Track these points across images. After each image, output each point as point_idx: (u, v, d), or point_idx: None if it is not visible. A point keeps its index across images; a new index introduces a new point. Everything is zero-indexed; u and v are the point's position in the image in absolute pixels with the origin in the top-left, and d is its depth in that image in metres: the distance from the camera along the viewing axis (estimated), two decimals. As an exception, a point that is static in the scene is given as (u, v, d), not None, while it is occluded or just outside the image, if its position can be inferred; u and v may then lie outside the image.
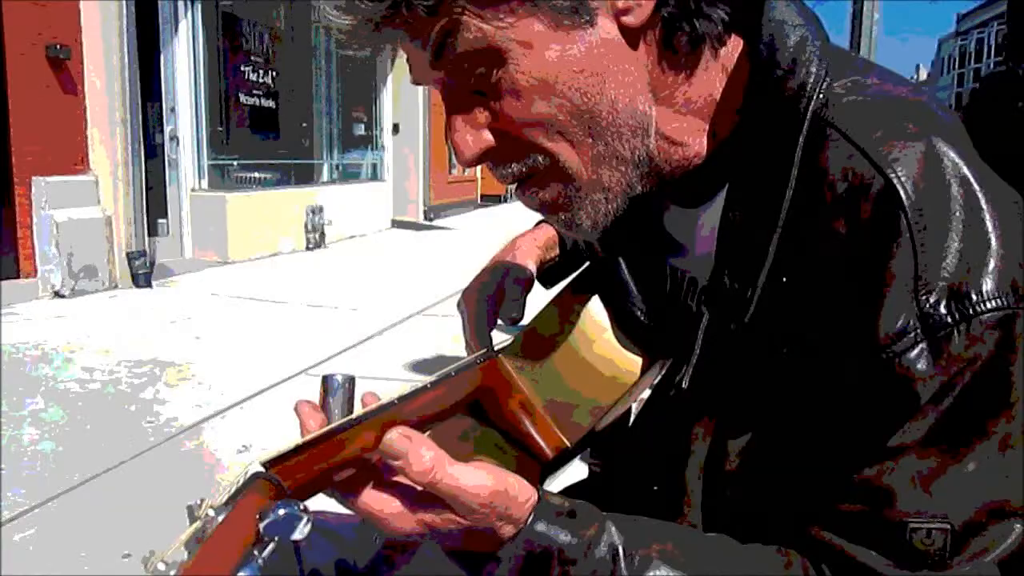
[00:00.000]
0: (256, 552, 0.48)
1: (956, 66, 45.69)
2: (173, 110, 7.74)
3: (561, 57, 0.63)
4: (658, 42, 0.66)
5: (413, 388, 0.65)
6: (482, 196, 18.51)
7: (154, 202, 7.34)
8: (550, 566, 0.63)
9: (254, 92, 9.13)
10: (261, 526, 0.49)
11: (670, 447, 0.74)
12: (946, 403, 0.58)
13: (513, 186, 0.70)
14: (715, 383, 0.69)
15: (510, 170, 0.69)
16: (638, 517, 0.67)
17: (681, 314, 0.78)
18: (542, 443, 0.74)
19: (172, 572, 0.44)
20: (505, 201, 19.64)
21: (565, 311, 0.81)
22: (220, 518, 0.48)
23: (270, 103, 9.50)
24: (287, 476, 0.55)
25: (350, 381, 0.68)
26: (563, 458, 0.76)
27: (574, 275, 0.98)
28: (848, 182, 0.60)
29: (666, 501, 0.75)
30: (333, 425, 0.61)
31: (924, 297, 0.57)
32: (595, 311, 0.82)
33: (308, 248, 9.41)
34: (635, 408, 0.86)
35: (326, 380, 0.68)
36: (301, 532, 0.50)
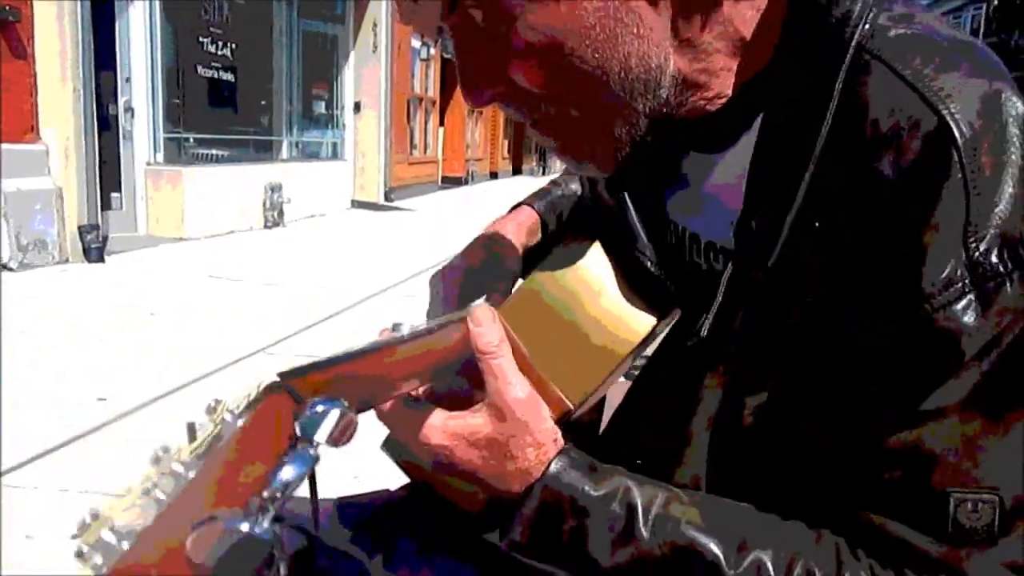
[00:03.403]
0: (286, 459, 0.42)
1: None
2: (128, 80, 7.53)
3: (572, 13, 0.58)
4: None
5: (421, 330, 0.61)
6: (443, 178, 18.41)
7: (107, 175, 7.14)
8: (563, 520, 0.62)
9: (212, 65, 8.93)
10: (296, 425, 0.43)
11: (677, 398, 0.71)
12: (993, 360, 0.54)
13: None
14: (734, 332, 0.65)
15: (520, 116, 0.66)
16: (657, 482, 0.65)
17: (687, 268, 0.74)
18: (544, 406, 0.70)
19: (191, 472, 0.36)
20: (466, 183, 19.56)
21: (564, 267, 0.77)
22: (239, 423, 0.42)
23: (229, 76, 9.31)
24: (305, 392, 0.50)
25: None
26: (563, 422, 0.72)
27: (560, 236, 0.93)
28: (894, 118, 0.55)
29: (665, 452, 0.72)
30: (351, 350, 0.57)
31: (973, 244, 0.53)
32: (596, 267, 0.77)
33: (266, 226, 9.26)
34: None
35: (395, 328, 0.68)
36: (346, 433, 0.44)
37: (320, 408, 0.44)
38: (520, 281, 0.98)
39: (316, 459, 0.43)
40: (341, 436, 0.45)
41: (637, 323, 0.76)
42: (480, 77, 0.64)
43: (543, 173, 30.49)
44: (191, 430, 0.44)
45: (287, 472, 0.41)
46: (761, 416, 0.63)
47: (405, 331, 0.66)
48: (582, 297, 0.76)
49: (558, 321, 0.74)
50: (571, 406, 0.69)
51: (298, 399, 0.47)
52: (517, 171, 28.19)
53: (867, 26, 0.58)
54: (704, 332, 0.66)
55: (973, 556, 0.56)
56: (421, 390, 0.68)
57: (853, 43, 0.58)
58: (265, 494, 0.40)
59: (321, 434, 0.43)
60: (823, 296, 0.58)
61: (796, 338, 0.60)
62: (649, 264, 0.77)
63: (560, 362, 0.70)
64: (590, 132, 0.65)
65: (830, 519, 0.61)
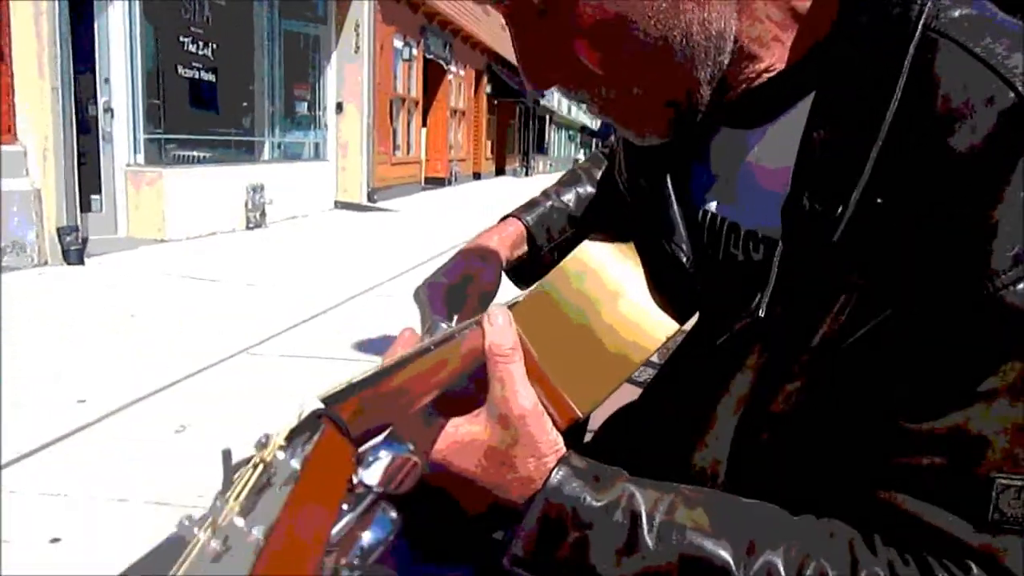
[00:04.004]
0: (346, 507, 0.39)
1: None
2: (107, 81, 7.46)
3: None
4: None
5: (446, 335, 0.61)
6: (426, 179, 18.38)
7: (87, 177, 7.07)
8: (565, 533, 0.60)
9: (193, 65, 8.87)
10: (361, 473, 0.41)
11: (704, 382, 0.69)
12: None
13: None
14: (781, 314, 0.63)
15: (580, 97, 0.66)
16: (662, 483, 0.63)
17: (723, 261, 0.72)
18: (554, 413, 0.67)
19: (256, 531, 0.33)
20: (449, 184, 19.52)
21: (583, 268, 0.73)
22: (295, 464, 0.37)
23: (210, 77, 9.25)
24: (347, 416, 0.48)
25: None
26: (572, 430, 0.71)
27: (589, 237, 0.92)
28: (968, 94, 0.54)
29: (687, 435, 0.70)
30: (386, 364, 0.56)
31: None
32: (617, 269, 0.74)
33: (249, 228, 9.20)
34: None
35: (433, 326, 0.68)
36: (407, 479, 0.42)
37: (383, 453, 0.42)
38: (519, 288, 0.97)
39: (397, 522, 0.41)
40: (401, 482, 0.42)
41: (656, 330, 0.72)
42: (541, 61, 0.64)
43: (526, 174, 30.53)
44: (226, 458, 0.41)
45: (367, 537, 0.40)
46: (795, 402, 0.62)
47: (441, 329, 0.64)
48: (600, 300, 0.72)
49: (572, 325, 0.71)
50: (580, 415, 0.67)
51: (343, 428, 0.45)
52: (500, 172, 28.18)
53: (930, 5, 0.58)
54: (762, 312, 0.63)
55: (1012, 547, 0.54)
56: None
57: (921, 21, 0.57)
58: (343, 561, 0.39)
59: (372, 478, 0.41)
60: (884, 273, 0.57)
61: (850, 318, 0.58)
62: (683, 257, 0.75)
63: (572, 368, 0.68)
64: (652, 107, 0.65)
65: (856, 507, 0.59)
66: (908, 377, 0.56)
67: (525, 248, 1.02)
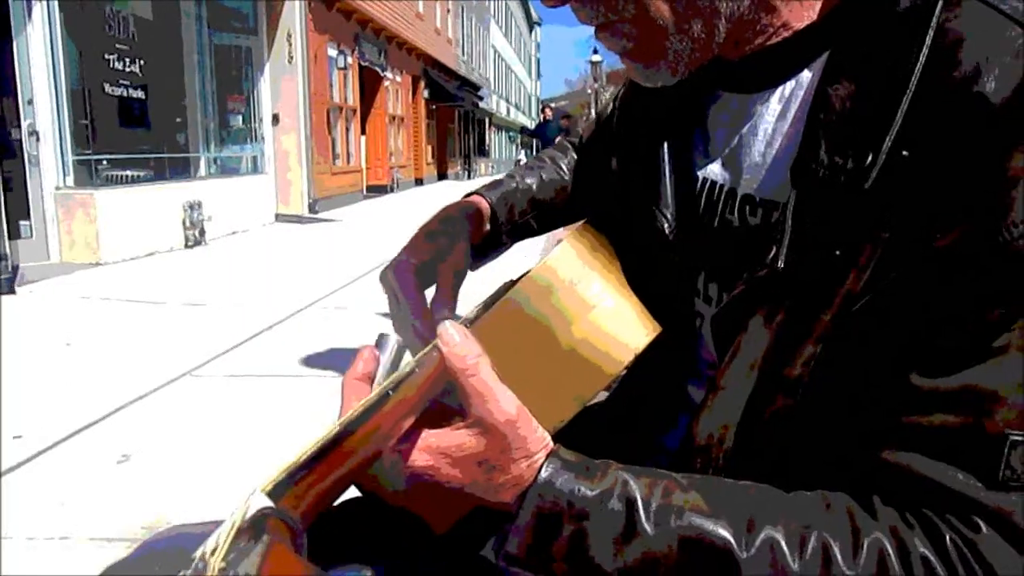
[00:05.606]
0: None
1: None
2: (30, 103, 7.22)
3: None
4: None
5: (404, 372, 0.57)
6: (368, 187, 18.24)
7: (14, 202, 6.85)
8: (560, 526, 0.58)
9: (120, 83, 8.66)
10: None
11: (688, 353, 0.68)
12: None
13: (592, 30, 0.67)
14: (794, 271, 0.61)
15: (595, 13, 0.64)
16: (654, 470, 0.61)
17: (716, 227, 0.71)
18: None
19: None
20: (391, 191, 19.41)
21: (550, 281, 0.68)
22: None
23: (139, 94, 9.04)
24: (293, 503, 0.44)
25: (400, 346, 0.65)
26: None
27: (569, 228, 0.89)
28: (995, 48, 0.54)
29: (670, 409, 0.69)
30: (334, 432, 0.52)
31: None
32: (587, 280, 0.69)
33: (188, 246, 9.02)
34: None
35: (381, 338, 0.65)
36: None
37: None
38: (464, 271, 0.93)
39: None
40: None
41: (632, 339, 0.68)
42: None
43: (468, 177, 30.56)
44: None
45: None
46: (813, 365, 0.61)
47: (392, 342, 0.63)
48: (571, 311, 0.67)
49: (539, 341, 0.66)
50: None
51: (293, 526, 0.40)
52: (442, 176, 28.15)
53: None
54: (780, 264, 0.62)
55: (1023, 504, 0.53)
56: None
57: None
58: None
59: None
60: (909, 225, 0.56)
61: (874, 272, 0.57)
62: (666, 225, 0.75)
63: (537, 387, 0.64)
64: (667, 35, 0.63)
65: (863, 471, 0.58)
66: (922, 332, 0.56)
67: (488, 227, 0.99)
